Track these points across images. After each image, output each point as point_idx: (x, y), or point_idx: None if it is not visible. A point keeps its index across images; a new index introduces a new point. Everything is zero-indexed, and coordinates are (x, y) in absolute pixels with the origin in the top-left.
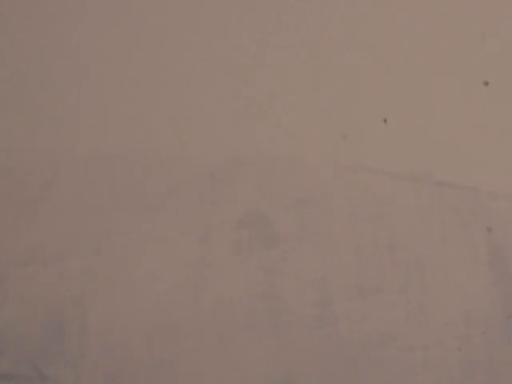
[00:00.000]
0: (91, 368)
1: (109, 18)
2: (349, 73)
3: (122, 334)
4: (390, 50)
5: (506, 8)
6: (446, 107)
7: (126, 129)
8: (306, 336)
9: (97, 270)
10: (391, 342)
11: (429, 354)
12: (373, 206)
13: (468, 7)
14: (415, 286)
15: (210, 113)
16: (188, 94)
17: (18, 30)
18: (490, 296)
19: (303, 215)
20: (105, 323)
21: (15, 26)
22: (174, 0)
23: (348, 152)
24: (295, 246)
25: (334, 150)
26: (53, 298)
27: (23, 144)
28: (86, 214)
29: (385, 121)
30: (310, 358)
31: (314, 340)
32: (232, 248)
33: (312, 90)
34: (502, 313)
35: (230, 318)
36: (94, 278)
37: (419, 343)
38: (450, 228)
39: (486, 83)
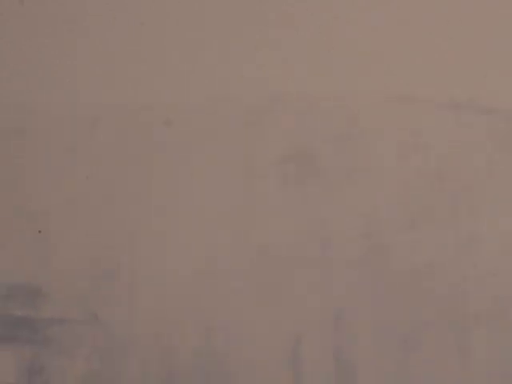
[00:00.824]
0: (142, 311)
1: None
2: (385, 12)
3: (171, 277)
4: None
5: None
6: (487, 35)
7: (175, 74)
8: (355, 268)
9: (145, 215)
10: (442, 271)
11: (481, 283)
12: (419, 137)
13: None
14: (464, 215)
15: (251, 52)
16: (230, 35)
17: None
18: None
19: (348, 148)
20: (154, 266)
21: None
22: None
23: (391, 84)
24: (341, 179)
25: (378, 82)
26: (104, 243)
27: (65, 98)
28: (129, 160)
29: (426, 52)
30: (360, 290)
31: (363, 272)
32: (277, 183)
33: (355, 30)
34: None
35: (277, 253)
36: (143, 222)
37: (471, 273)
38: (497, 155)
39: None
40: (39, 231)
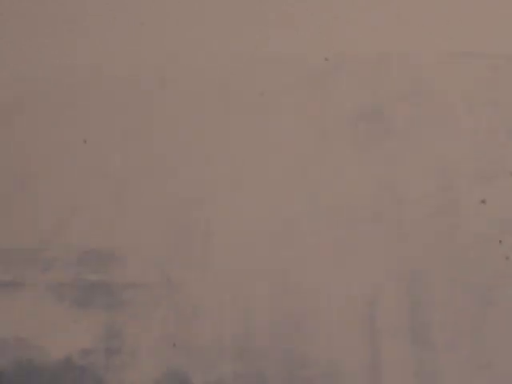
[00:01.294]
0: (218, 272)
1: None
2: None
3: (246, 238)
4: None
5: None
6: None
7: (240, 30)
8: (429, 225)
9: (221, 176)
10: None
11: None
12: (487, 91)
13: None
14: None
15: (319, 11)
16: None
17: None
18: None
19: (417, 106)
20: (229, 227)
21: None
22: None
23: (450, 40)
24: (412, 136)
25: (439, 39)
26: (176, 204)
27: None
28: (200, 119)
29: (490, 5)
30: (434, 246)
31: (437, 228)
32: (349, 142)
33: None
34: None
35: (352, 213)
36: (215, 183)
37: None
38: None
39: None
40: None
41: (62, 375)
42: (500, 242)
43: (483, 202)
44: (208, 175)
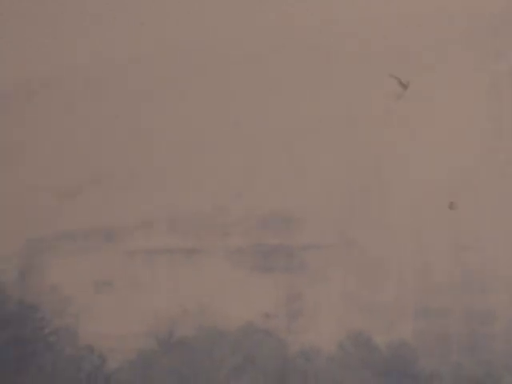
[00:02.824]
0: (394, 228)
1: None
2: None
3: (420, 191)
4: None
5: None
6: None
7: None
8: None
9: (393, 133)
10: None
11: None
12: None
13: None
14: None
15: None
16: None
17: None
18: None
19: None
20: (402, 182)
21: None
22: None
23: None
24: None
25: None
26: (351, 165)
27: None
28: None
29: None
30: None
31: None
32: None
33: None
34: None
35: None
36: (388, 147)
37: None
38: None
39: None
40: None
41: (244, 340)
42: None
43: None
44: (384, 134)
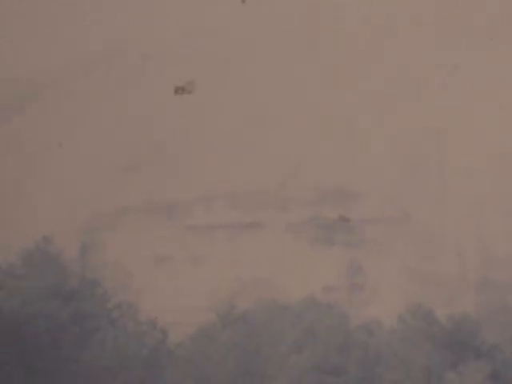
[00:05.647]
0: (454, 202)
1: None
2: None
3: (479, 164)
4: None
5: None
6: None
7: None
8: None
9: (449, 103)
10: None
11: None
12: None
13: None
14: None
15: None
16: None
17: None
18: None
19: None
20: (461, 156)
21: None
22: None
23: None
24: None
25: None
26: (409, 139)
27: None
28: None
29: None
30: None
31: None
32: None
33: None
34: None
35: None
36: (446, 115)
37: None
38: None
39: None
40: None
41: (305, 313)
42: None
43: None
44: (442, 107)
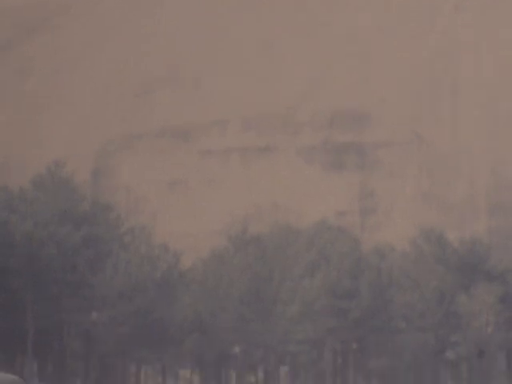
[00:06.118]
0: (466, 126)
1: None
2: None
3: (492, 89)
4: None
5: None
6: None
7: None
8: None
9: (461, 29)
10: None
11: None
12: None
13: None
14: None
15: None
16: None
17: None
18: None
19: None
20: (474, 80)
21: None
22: None
23: None
24: None
25: None
26: (423, 62)
27: None
28: None
29: None
30: None
31: None
32: None
33: None
34: None
35: None
36: (457, 38)
37: None
38: None
39: None
40: None
41: (318, 237)
42: None
43: None
44: (455, 27)
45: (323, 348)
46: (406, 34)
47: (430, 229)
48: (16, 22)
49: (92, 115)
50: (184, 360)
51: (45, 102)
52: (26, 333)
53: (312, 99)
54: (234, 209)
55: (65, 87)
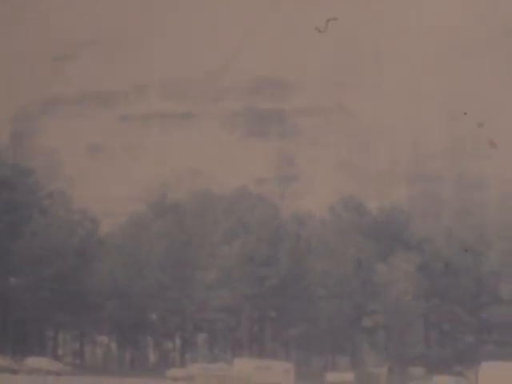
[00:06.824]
0: (388, 95)
1: None
2: None
3: (414, 58)
4: None
5: None
6: None
7: None
8: None
9: (383, 11)
10: None
11: None
12: None
13: None
14: None
15: None
16: None
17: None
18: None
19: None
20: (396, 49)
21: None
22: None
23: None
24: None
25: None
26: (345, 28)
27: None
28: None
29: None
30: None
31: None
32: None
33: None
34: None
35: None
36: (382, 16)
37: None
38: None
39: None
40: None
41: (237, 204)
42: None
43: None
44: (379, 9)
45: (241, 315)
46: (330, 2)
47: (349, 197)
48: None
49: (10, 79)
50: (102, 326)
51: None
52: None
53: (234, 66)
54: (154, 175)
55: None
